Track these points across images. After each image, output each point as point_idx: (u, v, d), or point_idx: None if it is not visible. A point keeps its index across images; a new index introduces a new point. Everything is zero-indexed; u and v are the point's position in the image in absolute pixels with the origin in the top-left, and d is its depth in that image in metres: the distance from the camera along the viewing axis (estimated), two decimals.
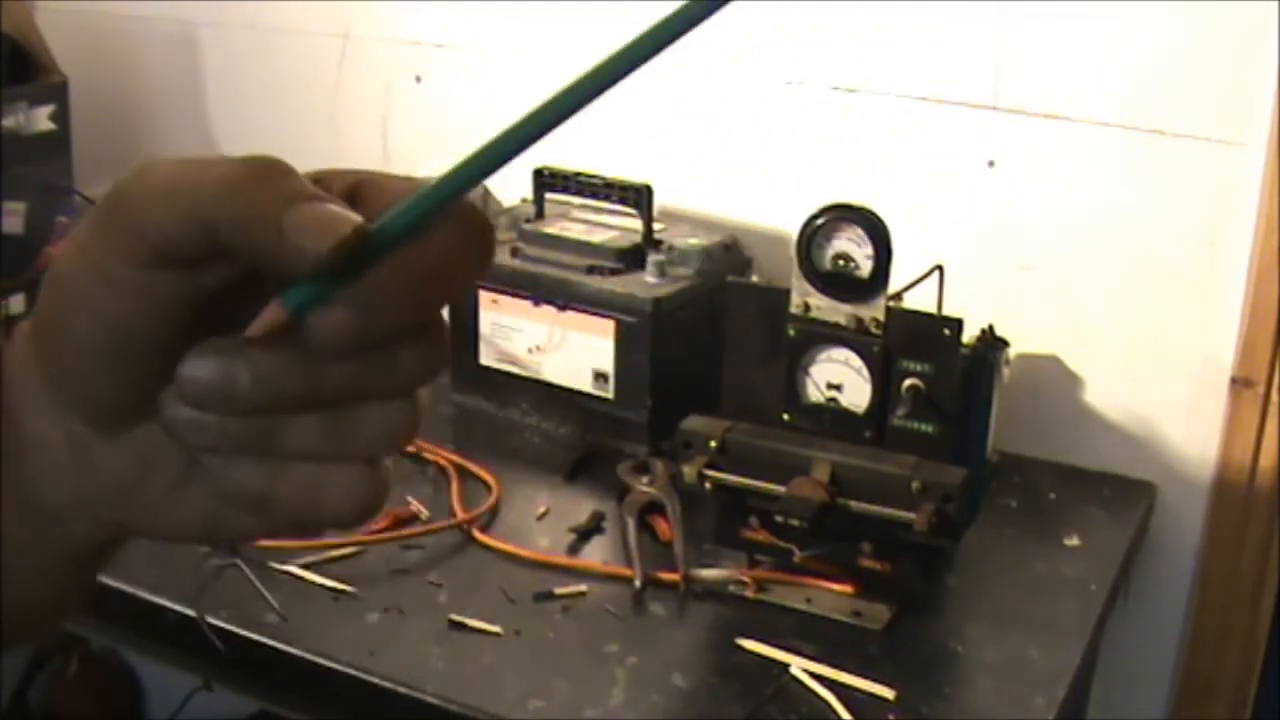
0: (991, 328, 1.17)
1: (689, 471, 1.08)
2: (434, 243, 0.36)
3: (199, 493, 0.39)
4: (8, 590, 0.42)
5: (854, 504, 1.03)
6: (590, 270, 1.37)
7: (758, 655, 1.04)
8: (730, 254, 1.43)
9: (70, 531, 0.41)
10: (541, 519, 1.24)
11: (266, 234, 0.34)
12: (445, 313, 0.39)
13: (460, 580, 1.13)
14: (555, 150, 1.51)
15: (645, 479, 1.26)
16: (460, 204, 0.36)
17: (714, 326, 1.14)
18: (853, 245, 1.04)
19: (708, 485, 1.08)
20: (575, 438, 1.38)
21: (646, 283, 1.35)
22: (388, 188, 0.38)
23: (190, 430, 0.37)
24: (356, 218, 0.35)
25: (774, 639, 1.05)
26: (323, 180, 0.38)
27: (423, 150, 1.64)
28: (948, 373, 1.05)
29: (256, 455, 0.37)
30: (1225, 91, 1.25)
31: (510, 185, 1.56)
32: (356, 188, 0.38)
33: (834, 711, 0.98)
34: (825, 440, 1.07)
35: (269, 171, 0.35)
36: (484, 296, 1.42)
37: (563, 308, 1.37)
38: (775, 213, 1.44)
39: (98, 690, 2.03)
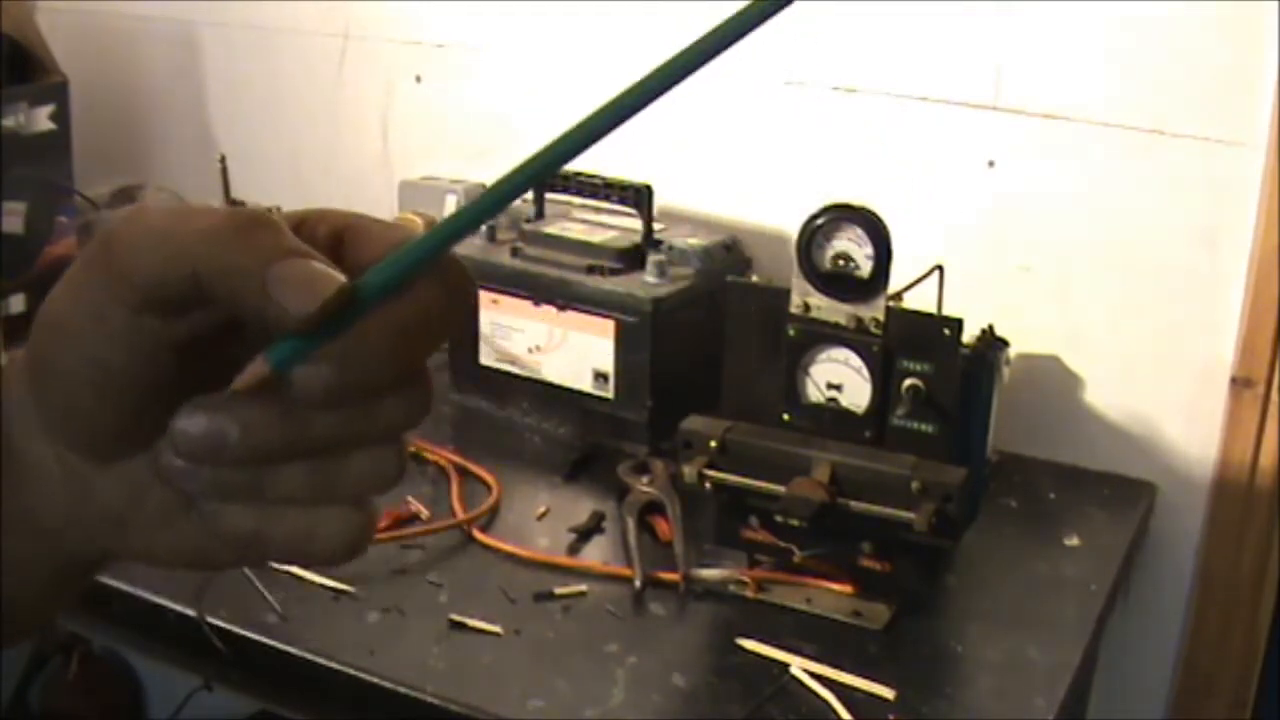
0: (991, 328, 1.17)
1: (689, 471, 1.08)
2: (415, 298, 0.37)
3: (190, 524, 0.40)
4: (4, 594, 0.42)
5: (854, 504, 1.03)
6: (590, 270, 1.37)
7: (758, 655, 1.04)
8: (730, 254, 1.43)
9: (64, 548, 0.42)
10: (541, 519, 1.24)
11: (249, 289, 0.35)
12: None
13: (460, 580, 1.13)
14: None
15: (645, 479, 1.26)
16: (443, 258, 0.37)
17: (714, 326, 1.14)
18: (853, 245, 1.04)
19: (708, 485, 1.08)
20: (575, 438, 1.38)
21: (646, 283, 1.35)
22: (373, 235, 0.39)
23: (184, 479, 0.38)
24: (339, 277, 0.36)
25: (774, 639, 1.05)
26: (308, 223, 0.39)
27: (423, 150, 1.64)
28: (948, 373, 1.05)
29: (247, 501, 0.39)
30: (1225, 91, 1.25)
31: None
32: (342, 233, 0.39)
33: (834, 711, 0.98)
34: (825, 440, 1.07)
35: (253, 226, 0.36)
36: (484, 296, 1.42)
37: (563, 308, 1.37)
38: (775, 213, 1.44)
39: (98, 690, 2.03)
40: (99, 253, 0.37)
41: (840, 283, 1.06)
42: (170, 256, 0.36)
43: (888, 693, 0.99)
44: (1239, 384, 1.30)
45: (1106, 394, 1.38)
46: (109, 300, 0.37)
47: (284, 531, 0.39)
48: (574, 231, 1.43)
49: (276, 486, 0.38)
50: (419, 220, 1.57)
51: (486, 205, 0.38)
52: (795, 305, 1.07)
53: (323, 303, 0.35)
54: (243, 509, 0.39)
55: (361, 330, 0.36)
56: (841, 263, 1.05)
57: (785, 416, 1.10)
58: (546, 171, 0.38)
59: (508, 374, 1.43)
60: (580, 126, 0.38)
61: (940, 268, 1.15)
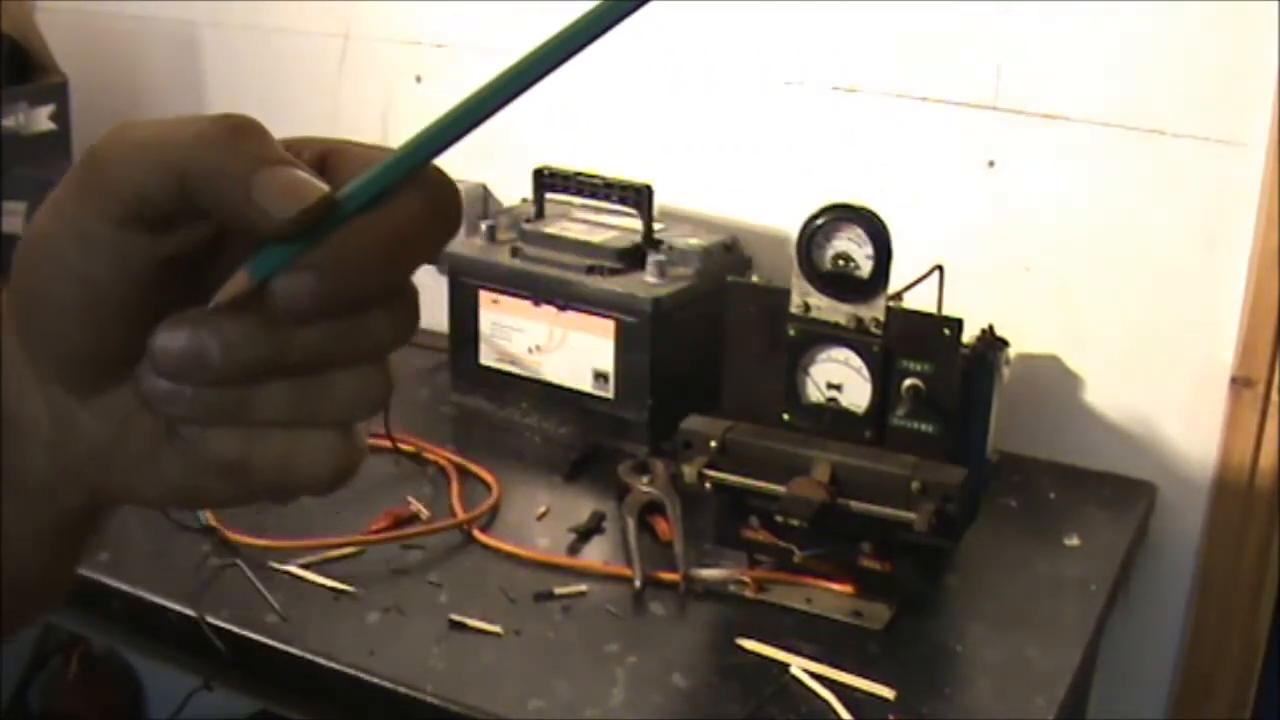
0: (991, 328, 1.17)
1: (689, 471, 1.08)
2: (399, 207, 0.36)
3: (176, 458, 0.39)
4: (5, 565, 0.42)
5: (854, 504, 1.03)
6: (590, 270, 1.37)
7: (758, 655, 1.04)
8: (730, 254, 1.43)
9: (56, 503, 0.42)
10: (541, 519, 1.24)
11: (234, 193, 0.35)
12: (418, 276, 0.39)
13: (460, 580, 1.13)
14: (555, 150, 1.51)
15: (645, 479, 1.26)
16: (427, 170, 0.37)
17: (714, 326, 1.14)
18: (853, 245, 1.04)
19: (708, 485, 1.08)
20: (575, 438, 1.38)
21: (646, 283, 1.35)
22: (357, 156, 0.38)
23: (166, 401, 0.37)
24: (323, 186, 0.35)
25: (774, 639, 1.05)
26: (294, 147, 0.38)
27: None
28: (948, 373, 1.05)
29: (231, 424, 0.38)
30: (1225, 91, 1.25)
31: (510, 185, 1.56)
32: (326, 156, 0.38)
33: (834, 711, 0.98)
34: (825, 440, 1.07)
35: (241, 131, 0.36)
36: (484, 296, 1.42)
37: (563, 308, 1.37)
38: (775, 213, 1.44)
39: (98, 690, 2.03)
40: (83, 170, 0.36)
41: (840, 283, 1.06)
42: (156, 164, 0.35)
43: (888, 693, 0.99)
44: (1239, 384, 1.30)
45: (1106, 394, 1.38)
46: (95, 216, 0.36)
47: (269, 456, 0.38)
48: (574, 231, 1.42)
49: (260, 407, 0.37)
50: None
51: (466, 117, 0.37)
52: (795, 305, 1.07)
53: (304, 208, 0.35)
54: (226, 433, 0.38)
55: (343, 237, 0.35)
56: (841, 263, 1.05)
57: (785, 416, 1.10)
58: (528, 84, 0.39)
59: (508, 374, 1.43)
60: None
61: (940, 268, 1.15)
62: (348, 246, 0.36)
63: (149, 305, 0.37)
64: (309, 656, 1.03)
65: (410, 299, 0.38)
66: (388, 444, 1.31)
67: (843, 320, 1.06)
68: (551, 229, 1.43)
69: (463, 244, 1.52)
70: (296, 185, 0.35)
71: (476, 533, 1.19)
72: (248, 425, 0.38)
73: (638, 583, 1.12)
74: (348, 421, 0.39)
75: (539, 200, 1.46)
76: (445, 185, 0.38)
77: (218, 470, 0.39)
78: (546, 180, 1.44)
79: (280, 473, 0.38)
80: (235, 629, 1.05)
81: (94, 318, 0.37)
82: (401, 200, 0.36)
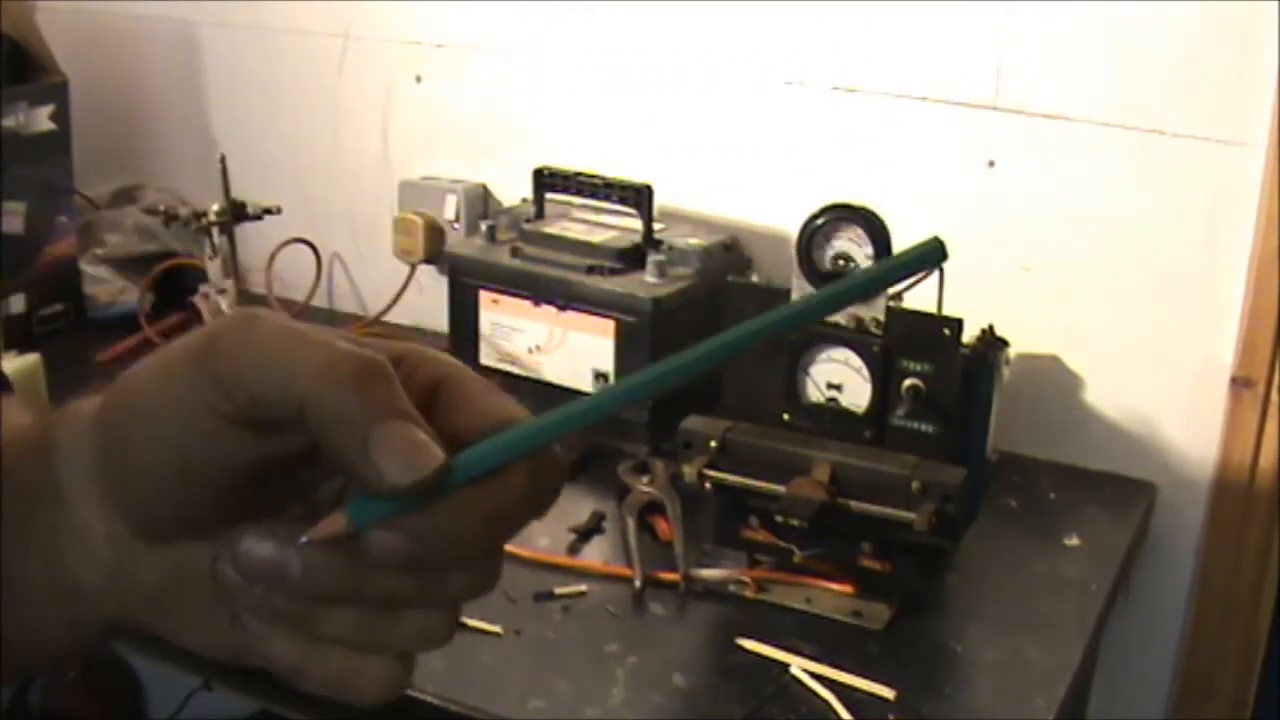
0: (991, 328, 1.16)
1: (689, 471, 1.08)
2: (506, 486, 0.37)
3: (228, 626, 0.39)
4: (36, 641, 0.42)
5: (854, 504, 1.03)
6: (590, 270, 1.37)
7: (758, 655, 1.04)
8: (730, 254, 1.43)
9: (96, 608, 0.41)
10: (541, 519, 1.24)
11: (352, 440, 0.35)
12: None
13: None
14: (555, 150, 1.51)
15: (645, 479, 1.26)
16: (540, 449, 0.37)
17: (714, 326, 1.13)
18: (853, 245, 1.04)
19: (708, 485, 1.08)
20: (575, 438, 1.38)
21: (646, 283, 1.35)
22: (471, 400, 0.38)
23: (237, 591, 0.38)
24: (439, 454, 0.35)
25: (774, 639, 1.05)
26: (407, 362, 0.38)
27: (423, 150, 1.64)
28: (948, 373, 1.05)
29: (294, 630, 0.38)
30: (1225, 91, 1.25)
31: (510, 185, 1.56)
32: (440, 384, 0.38)
33: (834, 711, 0.98)
34: (825, 440, 1.07)
35: (369, 375, 0.35)
36: (484, 296, 1.42)
37: (563, 308, 1.37)
38: (775, 213, 1.44)
39: (98, 690, 2.03)
40: (203, 350, 0.36)
41: None
42: (280, 383, 0.35)
43: (888, 693, 0.99)
44: (1239, 384, 1.30)
45: (1106, 394, 1.38)
46: (203, 405, 0.36)
47: (325, 670, 0.38)
48: (574, 231, 1.42)
49: (325, 624, 0.38)
50: (418, 220, 1.58)
51: (599, 405, 0.38)
52: None
53: (418, 479, 0.35)
54: (289, 639, 0.38)
55: (447, 510, 0.36)
56: (841, 263, 1.05)
57: (785, 416, 1.10)
58: (663, 383, 0.39)
59: (508, 374, 1.43)
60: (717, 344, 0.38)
61: (940, 268, 1.15)
62: (450, 519, 0.36)
63: (238, 487, 0.37)
64: None
65: (494, 562, 0.39)
66: None
67: (843, 320, 1.06)
68: (551, 229, 1.43)
69: (463, 244, 1.52)
70: (414, 450, 0.35)
71: None
72: (309, 637, 0.38)
73: (638, 583, 1.12)
74: (408, 652, 0.39)
75: (539, 200, 1.46)
76: (555, 468, 0.38)
77: (274, 668, 0.39)
78: (546, 180, 1.44)
79: (333, 687, 0.39)
80: None
81: (181, 490, 0.37)
82: (509, 478, 0.37)
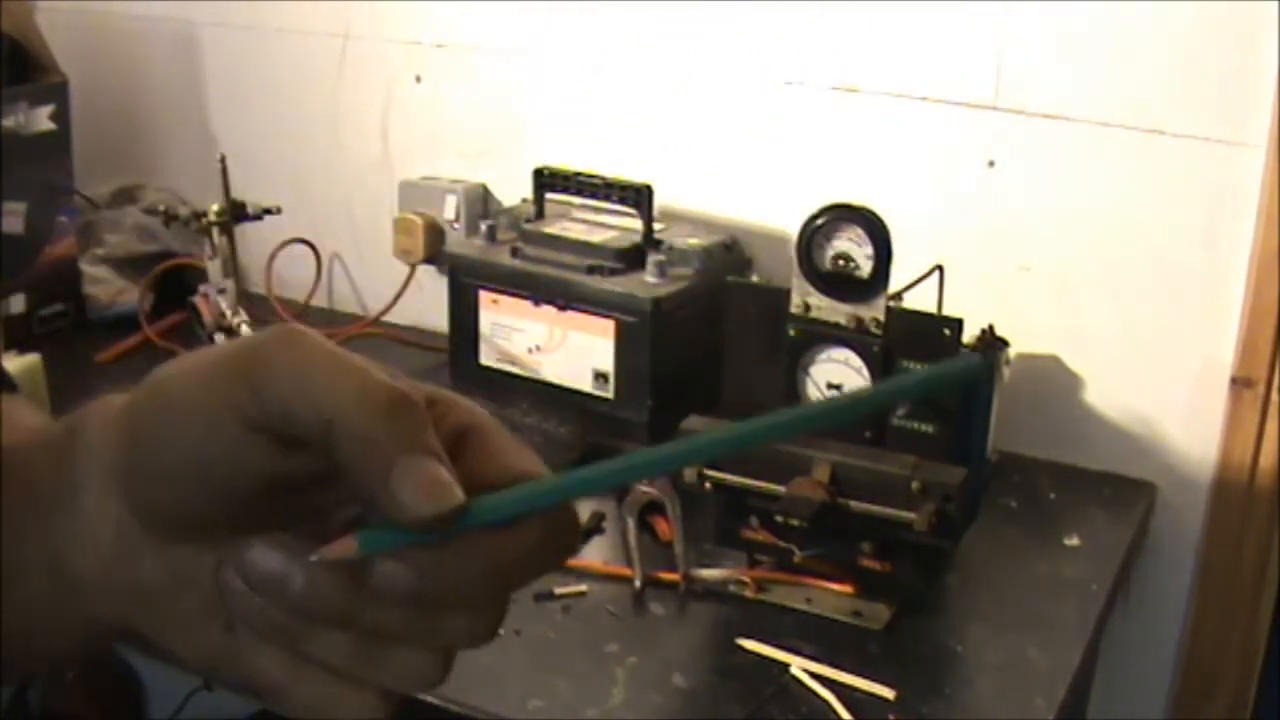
0: (991, 328, 1.17)
1: (689, 471, 1.08)
2: (518, 537, 0.37)
3: (219, 638, 0.40)
4: (33, 642, 0.42)
5: (854, 504, 1.03)
6: (590, 270, 1.37)
7: (758, 655, 1.04)
8: (730, 254, 1.43)
9: (89, 605, 0.41)
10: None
11: (375, 467, 0.35)
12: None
13: None
14: (555, 150, 1.51)
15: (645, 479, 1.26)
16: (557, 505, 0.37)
17: (714, 326, 1.14)
18: (853, 245, 1.04)
19: (708, 485, 1.08)
20: (575, 438, 1.38)
21: (646, 283, 1.35)
22: (497, 454, 0.38)
23: (238, 599, 0.38)
24: (459, 495, 0.35)
25: (774, 639, 1.05)
26: (438, 405, 0.38)
27: (423, 150, 1.64)
28: None
29: (283, 647, 0.38)
30: (1225, 91, 1.25)
31: (510, 185, 1.56)
32: (467, 432, 0.38)
33: (834, 711, 0.98)
34: (825, 440, 1.07)
35: (401, 408, 0.36)
36: (484, 296, 1.42)
37: (563, 308, 1.37)
38: (775, 213, 1.44)
39: (98, 690, 2.03)
40: (246, 359, 0.36)
41: (840, 283, 1.06)
42: (312, 402, 0.35)
43: (888, 693, 0.99)
44: (1239, 384, 1.30)
45: (1106, 394, 1.38)
46: (233, 412, 0.36)
47: (308, 693, 0.38)
48: (574, 231, 1.42)
49: (317, 646, 0.38)
50: (418, 220, 1.58)
51: (622, 470, 0.38)
52: (795, 305, 1.07)
53: (436, 513, 0.35)
54: (276, 657, 0.38)
55: (457, 551, 0.36)
56: (841, 263, 1.05)
57: None
58: (689, 457, 0.38)
59: (508, 374, 1.43)
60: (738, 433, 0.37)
61: (940, 268, 1.15)
62: (459, 562, 0.36)
63: (252, 499, 0.38)
64: None
65: (496, 612, 0.38)
66: None
67: (843, 320, 1.06)
68: (551, 229, 1.43)
69: (463, 244, 1.52)
70: (435, 486, 0.35)
71: None
72: (298, 656, 0.38)
73: (638, 583, 1.12)
74: (393, 690, 0.39)
75: (539, 200, 1.46)
76: (570, 527, 0.38)
77: (257, 684, 0.39)
78: (546, 180, 1.44)
79: (311, 710, 0.39)
80: None
81: (196, 492, 0.38)
82: (524, 530, 0.37)
